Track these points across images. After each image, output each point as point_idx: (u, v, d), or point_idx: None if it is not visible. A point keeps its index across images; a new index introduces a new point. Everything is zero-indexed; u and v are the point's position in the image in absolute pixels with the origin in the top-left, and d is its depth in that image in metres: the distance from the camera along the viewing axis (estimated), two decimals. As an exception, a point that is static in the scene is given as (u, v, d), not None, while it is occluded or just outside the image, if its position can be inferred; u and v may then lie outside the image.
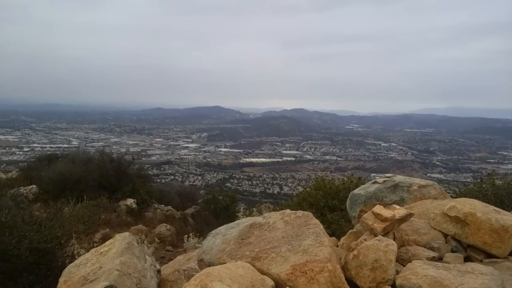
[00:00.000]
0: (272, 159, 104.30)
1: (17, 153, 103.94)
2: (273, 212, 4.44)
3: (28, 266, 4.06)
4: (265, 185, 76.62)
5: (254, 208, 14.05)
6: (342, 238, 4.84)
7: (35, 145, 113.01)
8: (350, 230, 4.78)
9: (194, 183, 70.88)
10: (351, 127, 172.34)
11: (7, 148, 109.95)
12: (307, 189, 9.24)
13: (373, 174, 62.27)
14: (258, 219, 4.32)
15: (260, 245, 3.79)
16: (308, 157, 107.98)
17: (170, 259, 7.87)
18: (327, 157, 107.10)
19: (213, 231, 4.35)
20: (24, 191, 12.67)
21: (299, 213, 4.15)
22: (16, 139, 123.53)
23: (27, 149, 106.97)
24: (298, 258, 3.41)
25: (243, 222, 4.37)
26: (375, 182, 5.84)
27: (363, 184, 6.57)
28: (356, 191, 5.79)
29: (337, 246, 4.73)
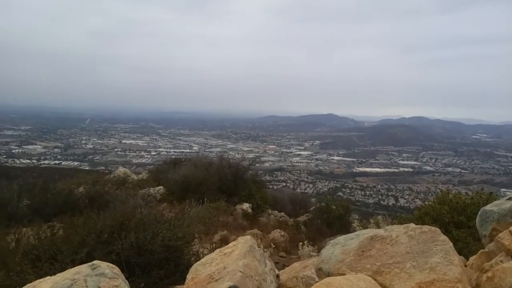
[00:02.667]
0: (387, 169, 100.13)
1: (146, 156, 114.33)
2: (395, 225, 4.25)
3: (159, 261, 4.41)
4: (379, 196, 73.77)
5: (370, 220, 13.58)
6: (471, 258, 4.45)
7: (161, 149, 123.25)
8: (481, 250, 4.37)
9: (305, 191, 70.98)
10: (478, 137, 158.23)
11: (137, 151, 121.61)
12: (429, 203, 8.68)
13: (503, 189, 56.44)
14: (380, 231, 4.17)
15: (382, 259, 3.65)
16: (428, 168, 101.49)
17: (284, 265, 7.96)
18: (450, 169, 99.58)
19: (332, 241, 4.30)
20: (153, 192, 13.82)
21: (425, 228, 3.92)
22: (145, 144, 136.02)
23: (154, 153, 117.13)
24: (425, 275, 3.22)
25: (363, 233, 4.25)
26: (510, 198, 5.28)
27: (495, 199, 5.97)
28: (488, 207, 5.27)
29: (466, 266, 4.37)
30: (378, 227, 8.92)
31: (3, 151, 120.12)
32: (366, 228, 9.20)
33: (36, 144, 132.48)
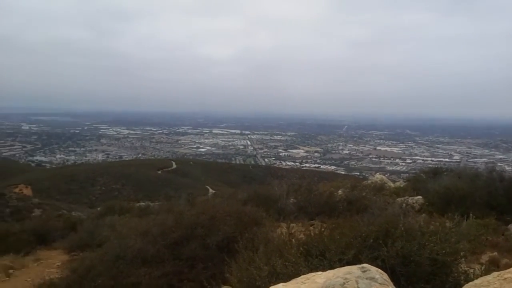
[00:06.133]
0: None
1: (400, 164, 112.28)
2: None
3: (426, 274, 4.19)
4: None
5: None
6: None
7: (417, 157, 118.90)
8: None
9: None
10: None
11: (392, 158, 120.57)
12: None
13: None
14: None
15: None
16: None
17: None
18: None
19: None
20: (411, 201, 13.33)
21: None
22: (400, 151, 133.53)
23: (409, 161, 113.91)
24: None
25: None
26: None
27: None
28: None
29: None
30: None
31: (272, 153, 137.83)
32: None
33: (299, 148, 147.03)
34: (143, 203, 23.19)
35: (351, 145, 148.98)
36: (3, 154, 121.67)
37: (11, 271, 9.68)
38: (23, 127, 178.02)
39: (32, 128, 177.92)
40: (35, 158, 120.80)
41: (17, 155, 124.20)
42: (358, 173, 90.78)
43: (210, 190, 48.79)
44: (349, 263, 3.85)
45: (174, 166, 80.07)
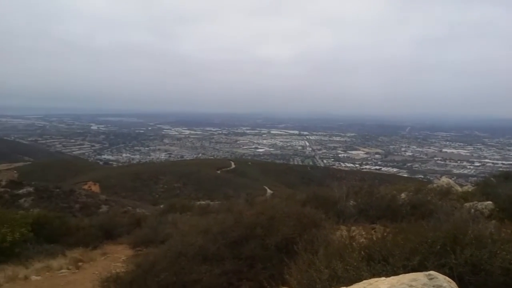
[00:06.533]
0: None
1: (468, 167, 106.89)
2: None
3: (497, 284, 3.95)
4: None
5: None
6: None
7: (486, 160, 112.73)
8: None
9: None
10: None
11: (459, 161, 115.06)
12: None
13: None
14: None
15: None
16: None
17: None
18: None
19: None
20: (481, 206, 12.65)
21: None
22: (468, 153, 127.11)
23: (477, 164, 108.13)
24: None
25: None
26: None
27: None
28: None
29: None
30: None
31: (331, 154, 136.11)
32: None
33: (359, 150, 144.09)
34: (203, 202, 23.70)
35: (415, 147, 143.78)
36: (74, 152, 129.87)
37: (80, 263, 10.25)
38: (92, 127, 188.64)
39: (100, 128, 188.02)
40: (102, 156, 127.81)
41: (86, 153, 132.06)
42: (422, 176, 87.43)
43: (268, 190, 48.97)
44: (414, 270, 3.71)
45: (233, 166, 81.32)
